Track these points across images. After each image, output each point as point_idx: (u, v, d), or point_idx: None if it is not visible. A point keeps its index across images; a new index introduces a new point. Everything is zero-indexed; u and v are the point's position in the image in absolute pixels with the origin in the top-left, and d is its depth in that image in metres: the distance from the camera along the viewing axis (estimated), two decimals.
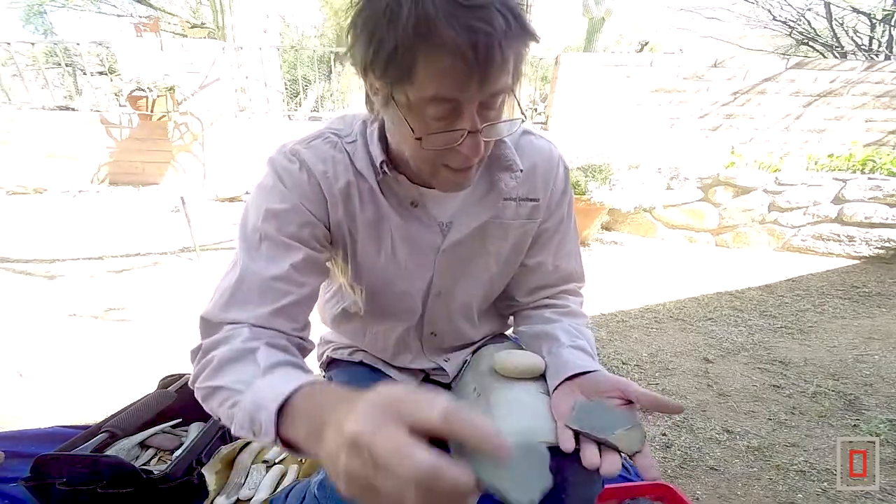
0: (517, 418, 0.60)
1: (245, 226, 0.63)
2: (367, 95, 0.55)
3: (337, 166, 0.64)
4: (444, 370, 0.81)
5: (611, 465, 0.52)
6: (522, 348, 0.79)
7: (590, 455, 0.53)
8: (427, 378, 0.84)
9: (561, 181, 0.73)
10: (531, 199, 0.71)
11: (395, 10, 0.44)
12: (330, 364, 0.89)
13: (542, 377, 0.68)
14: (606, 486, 0.99)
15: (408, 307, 0.73)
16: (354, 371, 0.82)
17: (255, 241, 0.61)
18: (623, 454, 0.53)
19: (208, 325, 0.57)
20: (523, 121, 0.64)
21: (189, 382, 0.56)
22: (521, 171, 0.67)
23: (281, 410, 0.41)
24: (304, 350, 0.61)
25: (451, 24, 0.44)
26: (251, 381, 0.47)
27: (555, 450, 0.55)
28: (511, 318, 0.87)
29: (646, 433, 0.53)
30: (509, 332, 0.90)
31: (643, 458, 0.51)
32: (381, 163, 0.61)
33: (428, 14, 0.43)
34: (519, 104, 0.55)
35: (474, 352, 0.84)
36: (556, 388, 0.62)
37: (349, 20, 0.49)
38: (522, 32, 0.47)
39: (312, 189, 0.63)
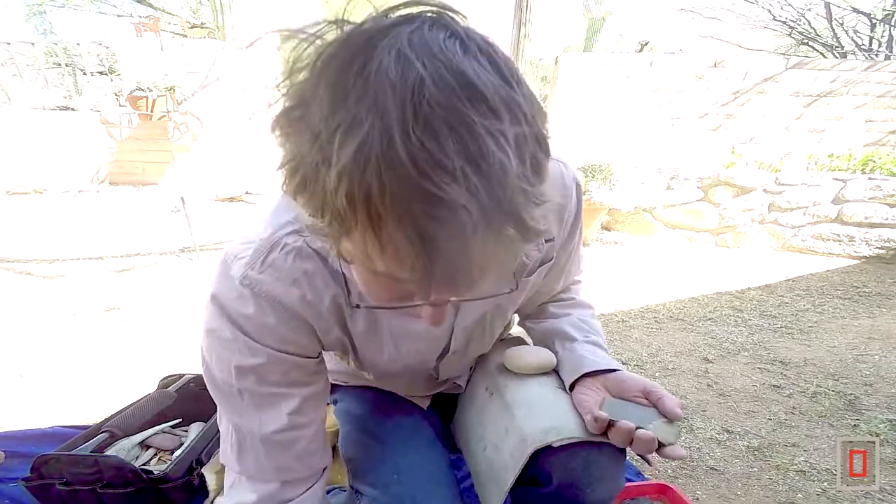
0: (541, 416, 0.60)
1: (212, 378, 0.51)
2: None
3: (314, 280, 0.48)
4: (457, 384, 0.80)
5: (645, 445, 0.50)
6: (525, 342, 0.79)
7: (624, 433, 0.51)
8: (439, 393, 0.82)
9: (574, 207, 0.61)
10: (546, 241, 0.60)
11: (326, 150, 0.27)
12: (334, 388, 0.81)
13: (553, 372, 0.67)
14: None
15: (419, 371, 0.70)
16: (361, 394, 0.78)
17: (234, 394, 0.50)
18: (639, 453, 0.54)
19: (230, 471, 0.57)
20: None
21: None
22: (545, 231, 0.50)
23: None
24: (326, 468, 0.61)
25: (402, 224, 0.27)
26: None
27: (581, 445, 0.56)
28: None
29: (679, 431, 0.53)
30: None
31: (671, 448, 0.51)
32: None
33: (369, 194, 0.27)
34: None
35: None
36: (574, 383, 0.62)
37: (275, 110, 0.31)
38: (514, 242, 0.30)
39: (288, 326, 0.48)
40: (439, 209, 0.27)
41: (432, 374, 0.72)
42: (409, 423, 0.73)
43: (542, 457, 0.57)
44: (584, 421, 0.57)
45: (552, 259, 0.64)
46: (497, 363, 0.72)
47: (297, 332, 0.49)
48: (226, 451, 0.55)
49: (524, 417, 0.60)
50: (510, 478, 0.57)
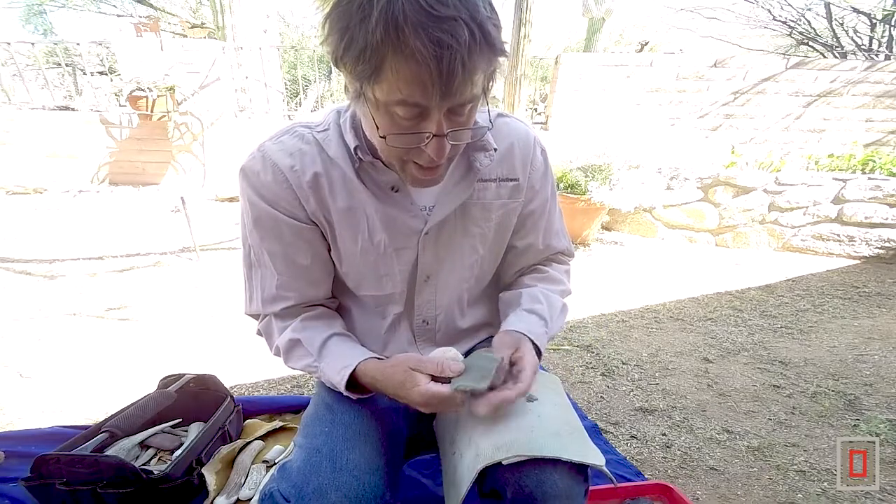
0: (500, 430, 0.61)
1: (243, 233, 0.70)
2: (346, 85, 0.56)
3: (304, 158, 0.64)
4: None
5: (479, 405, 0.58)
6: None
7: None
8: None
9: (540, 162, 0.75)
10: (511, 179, 0.72)
11: (367, 10, 0.44)
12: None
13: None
14: (606, 486, 0.99)
15: (392, 292, 0.73)
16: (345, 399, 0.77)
17: (256, 248, 0.69)
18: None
19: (256, 318, 0.75)
20: (498, 114, 0.68)
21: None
22: (496, 149, 0.67)
23: (351, 381, 0.65)
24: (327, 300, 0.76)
25: (419, 34, 0.44)
26: (316, 365, 0.68)
27: (535, 463, 0.57)
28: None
29: (490, 377, 0.57)
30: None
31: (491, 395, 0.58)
32: (355, 148, 0.61)
33: (397, 20, 0.43)
34: (487, 101, 0.56)
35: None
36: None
37: (325, 11, 0.49)
38: (487, 48, 0.47)
39: (280, 186, 0.64)
40: (442, 22, 0.44)
41: (408, 316, 0.76)
42: (366, 405, 0.72)
43: (498, 472, 0.58)
44: (545, 439, 0.58)
45: (521, 201, 0.74)
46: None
47: (285, 192, 0.64)
48: (250, 309, 0.74)
49: (483, 431, 0.61)
50: (463, 488, 0.59)
